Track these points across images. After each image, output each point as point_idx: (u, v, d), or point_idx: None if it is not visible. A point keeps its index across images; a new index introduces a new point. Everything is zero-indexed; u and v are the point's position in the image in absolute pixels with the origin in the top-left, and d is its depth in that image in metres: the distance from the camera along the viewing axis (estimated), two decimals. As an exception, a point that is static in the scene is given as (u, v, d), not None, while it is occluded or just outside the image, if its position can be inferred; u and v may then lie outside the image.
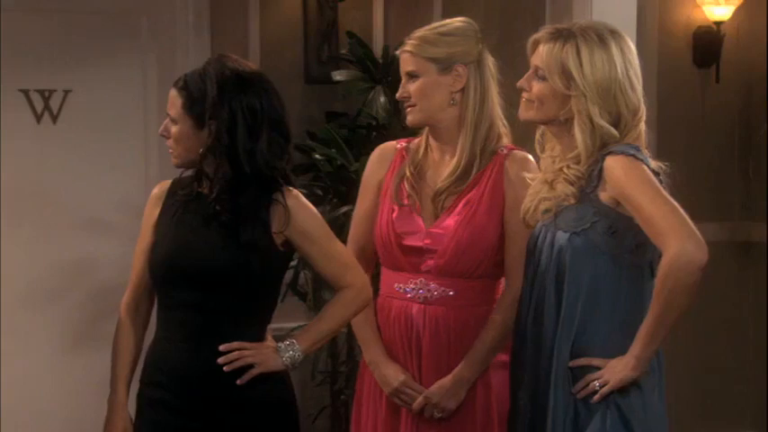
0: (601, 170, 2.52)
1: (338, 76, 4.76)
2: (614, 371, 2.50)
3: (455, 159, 2.90)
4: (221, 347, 2.59)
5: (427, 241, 2.88)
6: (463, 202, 2.88)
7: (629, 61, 2.58)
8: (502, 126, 2.93)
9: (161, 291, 2.67)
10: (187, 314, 2.62)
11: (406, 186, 2.93)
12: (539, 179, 2.68)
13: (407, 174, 2.94)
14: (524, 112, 2.64)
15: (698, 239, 2.41)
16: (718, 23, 5.09)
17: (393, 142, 3.06)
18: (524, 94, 2.63)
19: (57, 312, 4.62)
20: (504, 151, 2.91)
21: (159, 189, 2.73)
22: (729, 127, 5.24)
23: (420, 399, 2.86)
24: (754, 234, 5.20)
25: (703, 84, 5.18)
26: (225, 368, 2.58)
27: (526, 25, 4.37)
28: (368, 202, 3.00)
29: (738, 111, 5.25)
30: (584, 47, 2.56)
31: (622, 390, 2.50)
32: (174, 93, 2.62)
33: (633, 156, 2.51)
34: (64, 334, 4.65)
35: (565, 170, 2.57)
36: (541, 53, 2.59)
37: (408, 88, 2.92)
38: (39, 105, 4.62)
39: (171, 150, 2.65)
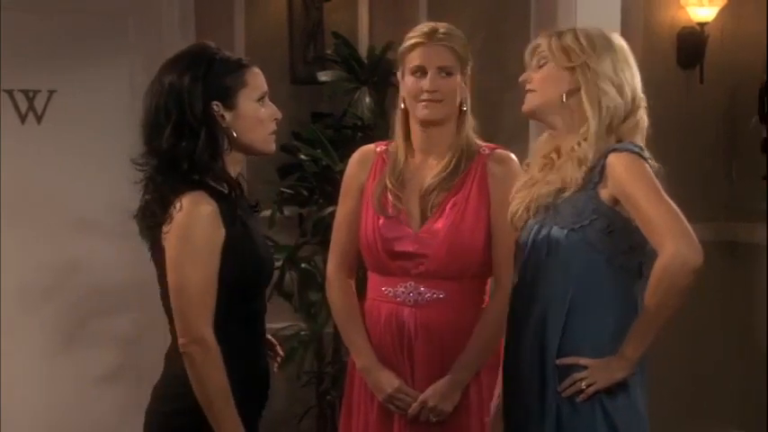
0: (603, 167, 2.52)
1: (324, 76, 4.76)
2: (602, 371, 2.50)
3: (444, 162, 2.88)
4: None
5: (416, 246, 2.87)
6: (450, 204, 2.87)
7: (627, 49, 2.62)
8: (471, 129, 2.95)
9: (256, 301, 2.56)
10: (260, 322, 2.59)
11: (390, 197, 2.91)
12: (524, 182, 2.67)
13: (389, 185, 2.91)
14: (527, 104, 2.64)
15: (694, 242, 2.43)
16: (702, 24, 5.11)
17: (372, 145, 3.03)
18: (527, 86, 2.64)
19: (46, 313, 4.61)
20: (487, 151, 2.92)
21: (213, 208, 2.46)
22: (713, 128, 5.26)
23: (416, 404, 2.86)
24: (739, 234, 5.22)
25: (688, 84, 5.19)
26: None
27: (511, 26, 4.38)
28: (350, 206, 2.98)
29: (722, 111, 5.26)
30: (580, 31, 2.61)
31: (609, 390, 2.51)
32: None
33: (638, 154, 2.52)
34: (54, 334, 4.64)
35: (576, 147, 2.56)
36: (541, 46, 2.62)
37: (440, 84, 2.86)
38: (23, 106, 4.61)
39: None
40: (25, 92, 4.61)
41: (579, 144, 2.55)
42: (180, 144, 2.46)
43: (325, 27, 5.06)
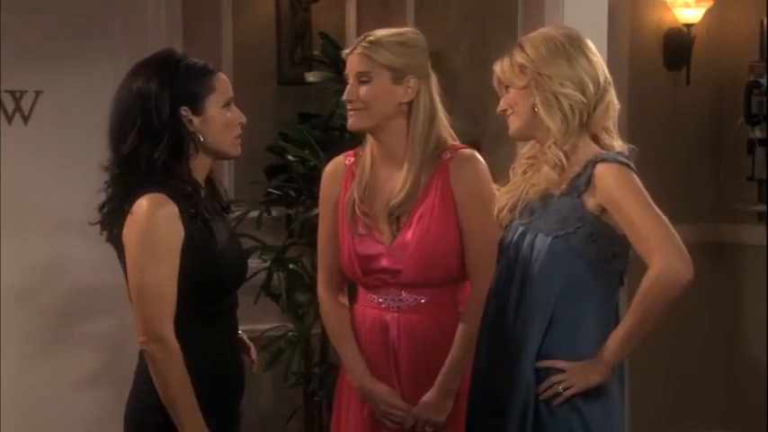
0: (590, 177, 2.52)
1: (311, 77, 4.76)
2: (579, 375, 2.50)
3: (403, 176, 2.86)
4: None
5: (390, 261, 2.87)
6: (417, 216, 2.86)
7: (575, 39, 2.60)
8: (450, 139, 2.92)
9: (221, 300, 2.59)
10: (228, 321, 2.63)
11: (359, 213, 2.90)
12: (509, 184, 2.67)
13: (357, 200, 2.90)
14: (510, 129, 2.65)
15: (685, 257, 2.44)
16: (689, 26, 5.13)
17: (341, 157, 3.00)
18: (507, 113, 2.65)
19: (29, 314, 4.60)
20: (448, 155, 2.88)
21: (173, 208, 2.49)
22: (700, 128, 5.28)
23: (410, 419, 2.86)
24: (725, 235, 5.23)
25: (674, 85, 5.21)
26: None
27: (498, 26, 4.38)
28: (329, 225, 2.97)
29: (709, 112, 5.28)
30: (527, 42, 2.62)
31: (586, 394, 2.51)
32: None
33: (626, 165, 2.53)
34: (36, 335, 4.63)
35: (546, 151, 2.57)
36: (499, 71, 2.63)
37: (357, 91, 2.85)
38: (10, 106, 4.59)
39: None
40: (12, 92, 4.59)
41: (549, 147, 2.57)
42: (141, 148, 2.50)
43: (312, 28, 5.06)
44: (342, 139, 4.64)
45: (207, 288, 2.54)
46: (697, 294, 5.07)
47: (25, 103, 4.61)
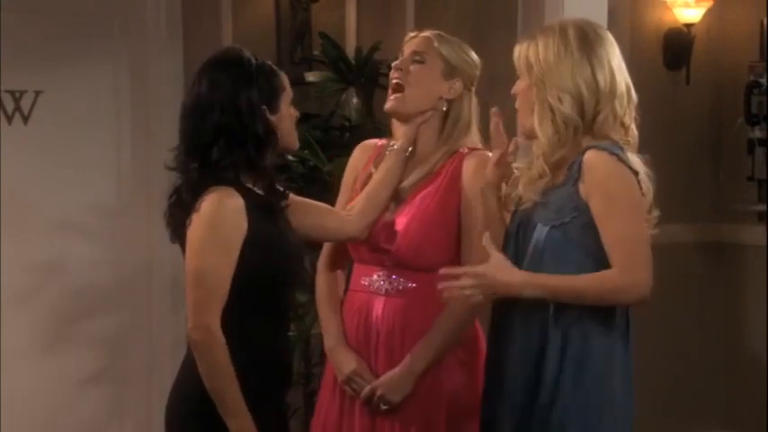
0: (580, 164, 2.51)
1: (311, 77, 4.76)
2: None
3: (421, 167, 2.91)
4: None
5: (385, 237, 2.89)
6: (419, 197, 2.90)
7: (588, 42, 2.57)
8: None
9: (282, 295, 2.65)
10: (283, 317, 2.68)
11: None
12: (523, 169, 2.67)
13: (373, 172, 2.95)
14: (520, 121, 2.65)
15: (648, 270, 2.44)
16: (689, 25, 5.13)
17: (375, 140, 3.08)
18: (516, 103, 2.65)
19: (27, 314, 4.60)
20: (465, 150, 2.92)
21: (240, 202, 2.54)
22: (700, 128, 5.28)
23: (367, 389, 2.88)
24: (725, 235, 5.23)
25: (674, 85, 5.21)
26: None
27: (498, 28, 4.39)
28: (343, 197, 3.02)
29: (709, 112, 5.28)
30: (540, 37, 2.59)
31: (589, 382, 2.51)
32: None
33: (617, 156, 2.51)
34: (37, 335, 4.63)
35: (534, 161, 2.58)
36: (515, 59, 2.63)
37: (409, 66, 2.90)
38: (9, 106, 4.60)
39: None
40: (12, 92, 4.60)
41: (537, 158, 2.57)
42: (230, 149, 2.55)
43: (312, 28, 5.06)
44: (342, 138, 4.65)
45: (266, 283, 2.58)
46: (697, 294, 5.09)
47: (25, 103, 4.61)
